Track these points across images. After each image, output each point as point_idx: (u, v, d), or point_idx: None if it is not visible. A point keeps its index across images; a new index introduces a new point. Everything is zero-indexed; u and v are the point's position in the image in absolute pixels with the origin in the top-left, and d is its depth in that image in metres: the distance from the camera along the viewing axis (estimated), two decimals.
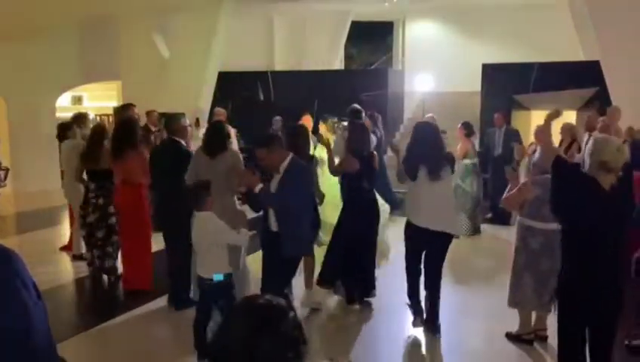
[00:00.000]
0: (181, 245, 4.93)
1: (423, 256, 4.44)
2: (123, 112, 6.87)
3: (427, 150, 4.31)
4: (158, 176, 5.04)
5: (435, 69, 12.43)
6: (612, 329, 3.32)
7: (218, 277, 3.81)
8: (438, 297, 4.45)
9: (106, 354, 4.35)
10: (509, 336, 4.40)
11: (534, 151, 4.46)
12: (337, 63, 14.78)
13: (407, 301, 4.62)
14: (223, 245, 3.82)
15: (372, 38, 15.93)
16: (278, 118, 10.28)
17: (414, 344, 4.48)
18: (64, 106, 13.41)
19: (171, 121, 5.06)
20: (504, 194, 4.26)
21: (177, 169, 4.80)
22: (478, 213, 7.76)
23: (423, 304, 4.54)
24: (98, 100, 14.01)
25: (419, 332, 4.56)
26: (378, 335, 4.63)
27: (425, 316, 4.48)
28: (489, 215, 8.43)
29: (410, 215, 4.46)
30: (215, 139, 4.65)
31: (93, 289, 5.82)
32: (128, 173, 5.35)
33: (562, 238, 3.42)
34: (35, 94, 11.18)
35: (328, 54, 14.30)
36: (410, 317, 4.60)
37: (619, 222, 3.31)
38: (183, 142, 5.02)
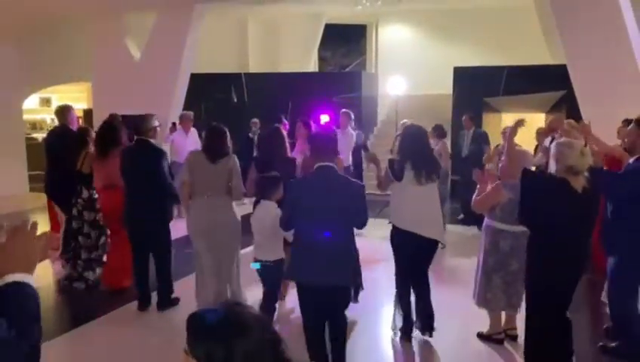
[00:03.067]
0: (162, 245, 5.04)
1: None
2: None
3: (418, 152, 4.22)
4: (129, 177, 4.99)
5: (407, 72, 12.55)
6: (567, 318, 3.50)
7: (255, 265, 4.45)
8: (431, 312, 4.38)
9: (86, 355, 4.27)
10: (480, 336, 4.46)
11: (501, 154, 4.51)
12: (311, 66, 14.80)
13: (395, 321, 4.48)
14: (280, 233, 4.16)
15: (346, 41, 16.00)
16: (255, 120, 10.24)
17: (385, 342, 4.50)
18: (32, 108, 13.12)
19: (141, 122, 5.02)
20: (474, 196, 4.31)
21: (152, 168, 4.83)
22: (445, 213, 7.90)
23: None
24: (67, 102, 13.73)
25: (389, 331, 4.59)
26: (351, 336, 4.63)
27: (420, 324, 4.41)
28: (461, 216, 8.53)
29: (395, 218, 4.29)
30: (218, 143, 4.60)
31: (70, 291, 5.70)
32: (111, 176, 5.34)
33: (531, 241, 3.51)
34: (1, 96, 10.88)
35: (302, 57, 14.31)
36: (385, 318, 4.60)
37: (590, 222, 3.43)
38: (153, 142, 5.02)
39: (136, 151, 5.02)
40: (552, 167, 3.41)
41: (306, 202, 3.47)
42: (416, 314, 4.42)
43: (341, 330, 3.69)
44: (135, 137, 5.14)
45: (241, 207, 5.59)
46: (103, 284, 5.63)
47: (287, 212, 3.61)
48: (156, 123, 5.07)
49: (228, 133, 4.67)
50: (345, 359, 3.71)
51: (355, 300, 4.91)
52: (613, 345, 4.21)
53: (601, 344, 4.27)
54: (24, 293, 1.38)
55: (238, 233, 4.75)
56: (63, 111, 6.59)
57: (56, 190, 6.22)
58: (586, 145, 3.38)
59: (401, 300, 4.42)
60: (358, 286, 4.50)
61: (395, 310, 4.52)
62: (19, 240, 1.42)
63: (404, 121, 9.04)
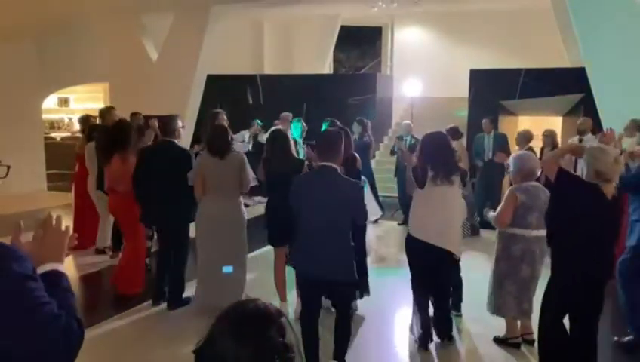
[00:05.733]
0: (181, 245, 5.13)
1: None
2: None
3: (440, 160, 4.11)
4: (153, 177, 5.03)
5: (423, 74, 12.52)
6: (595, 324, 3.44)
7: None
8: (448, 319, 4.36)
9: (89, 354, 4.30)
10: (497, 340, 4.44)
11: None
12: (326, 68, 14.81)
13: (414, 326, 4.44)
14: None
15: (361, 43, 16.00)
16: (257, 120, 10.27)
17: (401, 346, 4.49)
18: (50, 108, 13.30)
19: (168, 123, 5.14)
20: (494, 216, 4.26)
21: (176, 169, 4.94)
22: (475, 214, 7.89)
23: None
24: (85, 102, 13.91)
25: (406, 335, 4.58)
26: (366, 338, 4.62)
27: (437, 330, 4.34)
28: (477, 218, 8.47)
29: (415, 229, 4.18)
30: (222, 141, 4.83)
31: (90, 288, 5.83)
32: (110, 179, 5.48)
33: (557, 244, 3.48)
34: (21, 96, 11.05)
35: (317, 59, 14.32)
36: (398, 323, 4.58)
37: (615, 227, 3.41)
38: (177, 143, 5.13)
39: (160, 151, 5.12)
40: (584, 171, 3.40)
41: (305, 198, 3.65)
42: (434, 322, 4.34)
43: (344, 322, 3.81)
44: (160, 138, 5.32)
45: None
46: (115, 289, 5.58)
47: (292, 204, 3.79)
48: (180, 124, 5.19)
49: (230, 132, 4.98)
50: (345, 351, 3.82)
51: (360, 297, 4.95)
52: (626, 339, 4.27)
53: (615, 338, 4.31)
54: (59, 279, 1.47)
55: (244, 231, 4.97)
56: (105, 114, 7.04)
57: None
58: (621, 154, 3.34)
59: (417, 309, 4.35)
60: (358, 284, 4.50)
61: (412, 318, 4.49)
62: (48, 233, 1.52)
63: (406, 122, 9.14)
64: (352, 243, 3.74)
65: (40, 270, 1.43)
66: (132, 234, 5.51)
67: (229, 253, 4.92)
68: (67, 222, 1.62)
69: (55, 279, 1.45)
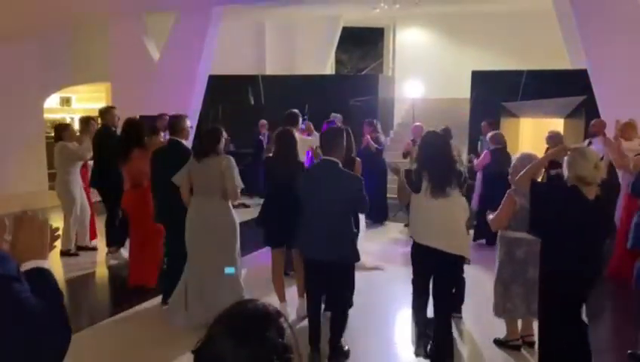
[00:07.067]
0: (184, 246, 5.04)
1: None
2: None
3: (437, 163, 3.89)
4: (160, 176, 5.06)
5: (425, 76, 12.52)
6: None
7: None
8: (449, 331, 4.05)
9: (96, 351, 4.32)
10: (497, 342, 4.43)
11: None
12: (328, 68, 14.83)
13: (413, 328, 4.42)
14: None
15: (363, 44, 16.03)
16: (263, 121, 10.24)
17: (401, 348, 4.49)
18: (52, 107, 13.33)
19: (176, 123, 5.19)
20: (490, 218, 4.22)
21: (180, 167, 4.90)
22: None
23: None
24: (86, 102, 13.94)
25: (406, 337, 4.58)
26: (366, 340, 4.62)
27: (429, 348, 4.09)
28: (474, 222, 8.44)
29: (414, 232, 4.07)
30: (206, 141, 4.65)
31: (91, 286, 5.88)
32: (134, 176, 5.54)
33: (543, 249, 3.48)
34: (23, 95, 11.07)
35: (319, 59, 14.34)
36: (400, 330, 4.57)
37: (602, 229, 3.39)
38: (184, 143, 5.16)
39: (167, 151, 5.15)
40: (565, 174, 3.40)
41: (308, 188, 4.01)
42: (433, 338, 4.09)
43: (340, 304, 4.11)
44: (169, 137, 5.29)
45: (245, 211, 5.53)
46: (129, 283, 5.66)
47: (300, 195, 4.10)
48: (189, 124, 5.23)
49: (221, 134, 4.65)
50: (341, 334, 4.08)
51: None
52: None
53: (629, 351, 4.23)
54: (44, 277, 1.44)
55: (232, 236, 4.62)
56: (104, 114, 7.07)
57: (101, 184, 6.64)
58: (602, 159, 3.32)
59: (415, 316, 4.33)
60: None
61: (412, 325, 4.45)
62: (23, 229, 1.48)
63: (417, 123, 9.04)
64: (355, 230, 4.02)
65: (23, 268, 1.40)
66: (149, 230, 5.48)
67: (220, 261, 4.57)
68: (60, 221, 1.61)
69: (40, 277, 1.42)
